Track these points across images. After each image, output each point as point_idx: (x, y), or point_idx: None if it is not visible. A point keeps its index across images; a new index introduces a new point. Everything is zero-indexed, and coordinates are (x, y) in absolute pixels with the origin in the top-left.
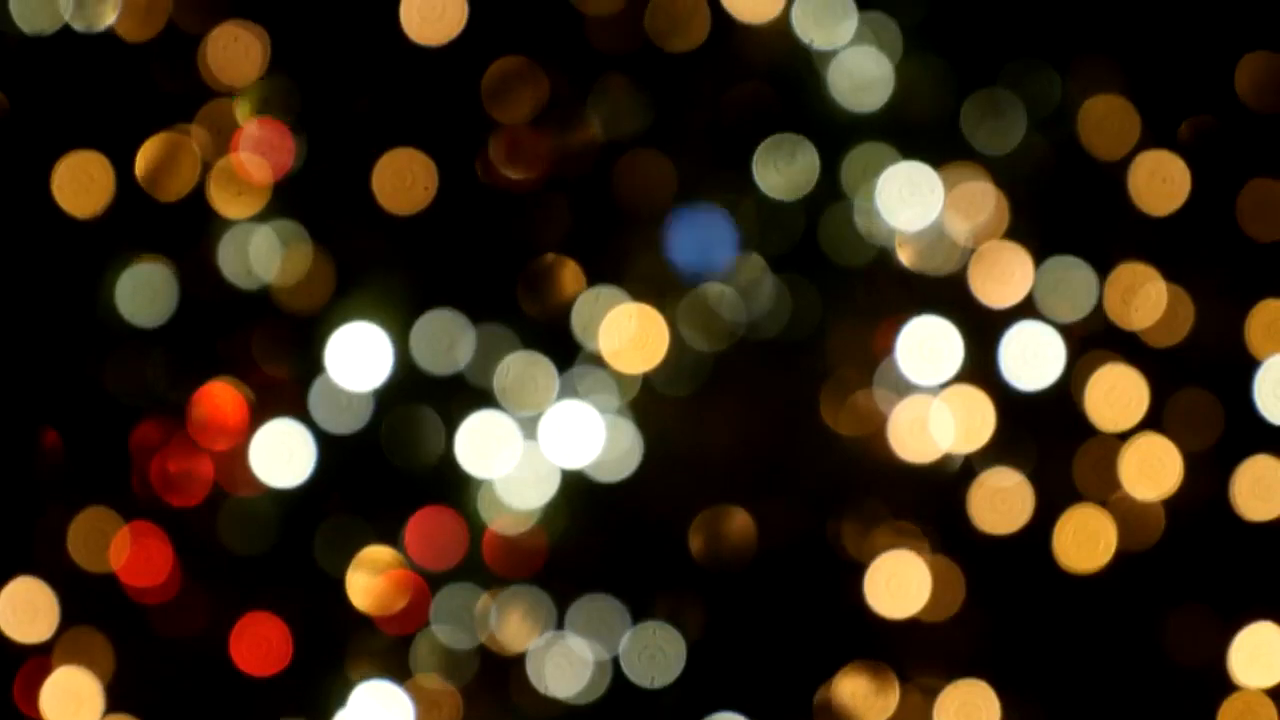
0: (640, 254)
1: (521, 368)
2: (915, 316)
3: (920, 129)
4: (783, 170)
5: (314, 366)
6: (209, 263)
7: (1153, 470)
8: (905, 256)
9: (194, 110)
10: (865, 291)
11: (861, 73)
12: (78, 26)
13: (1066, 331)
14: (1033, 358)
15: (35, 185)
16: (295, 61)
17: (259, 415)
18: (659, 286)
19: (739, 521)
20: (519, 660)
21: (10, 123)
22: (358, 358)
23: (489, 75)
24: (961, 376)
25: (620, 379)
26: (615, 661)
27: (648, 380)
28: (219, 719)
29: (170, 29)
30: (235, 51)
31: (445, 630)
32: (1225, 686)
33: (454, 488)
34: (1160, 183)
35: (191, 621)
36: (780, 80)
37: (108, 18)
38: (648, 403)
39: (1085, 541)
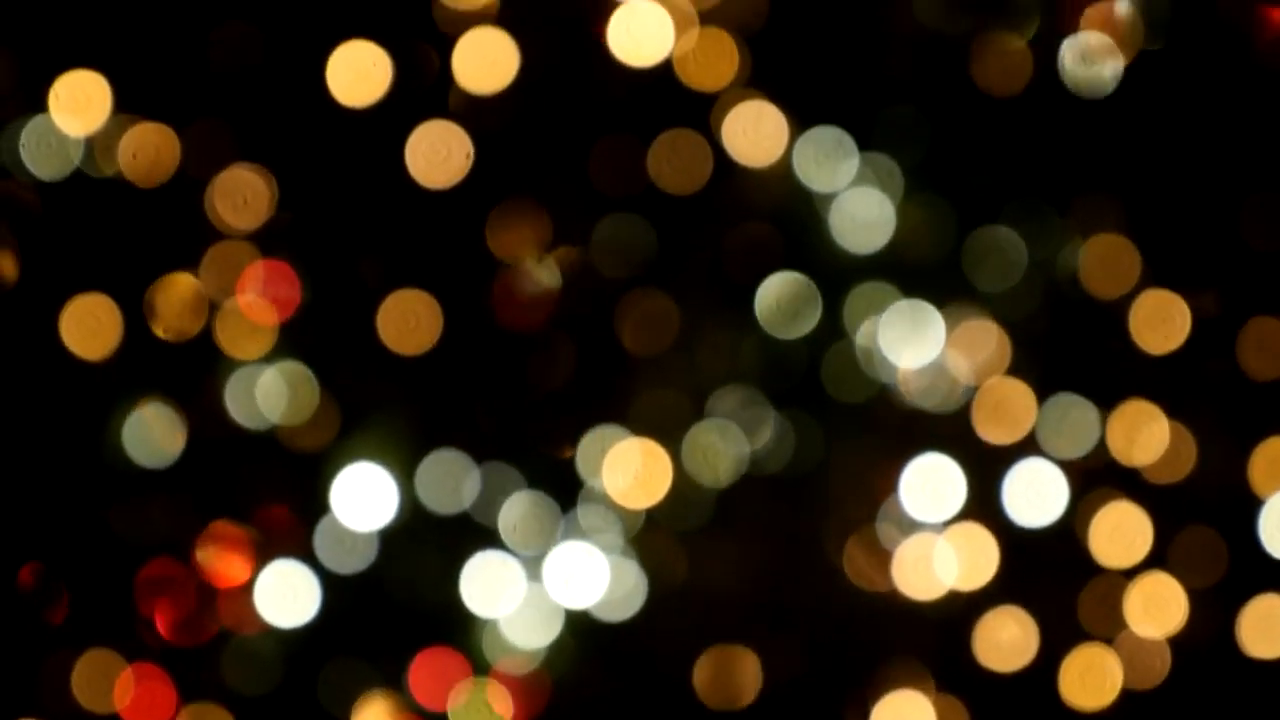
0: (644, 391)
1: (526, 507)
2: (918, 454)
3: (921, 268)
4: (785, 309)
5: (319, 506)
6: (216, 403)
7: (1157, 608)
8: (908, 394)
9: (201, 252)
10: (868, 429)
11: (863, 213)
12: (88, 172)
13: (1069, 468)
14: (1036, 495)
15: (44, 328)
16: (302, 203)
17: (264, 555)
18: (662, 423)
19: (744, 660)
20: None
21: (21, 264)
22: (363, 498)
23: (493, 216)
24: (965, 514)
25: (624, 515)
26: None
27: (652, 516)
28: None
29: (178, 173)
30: (242, 194)
31: None
32: None
33: (458, 628)
34: (1161, 321)
35: None
36: (782, 221)
37: (117, 163)
38: (652, 539)
39: (1091, 679)
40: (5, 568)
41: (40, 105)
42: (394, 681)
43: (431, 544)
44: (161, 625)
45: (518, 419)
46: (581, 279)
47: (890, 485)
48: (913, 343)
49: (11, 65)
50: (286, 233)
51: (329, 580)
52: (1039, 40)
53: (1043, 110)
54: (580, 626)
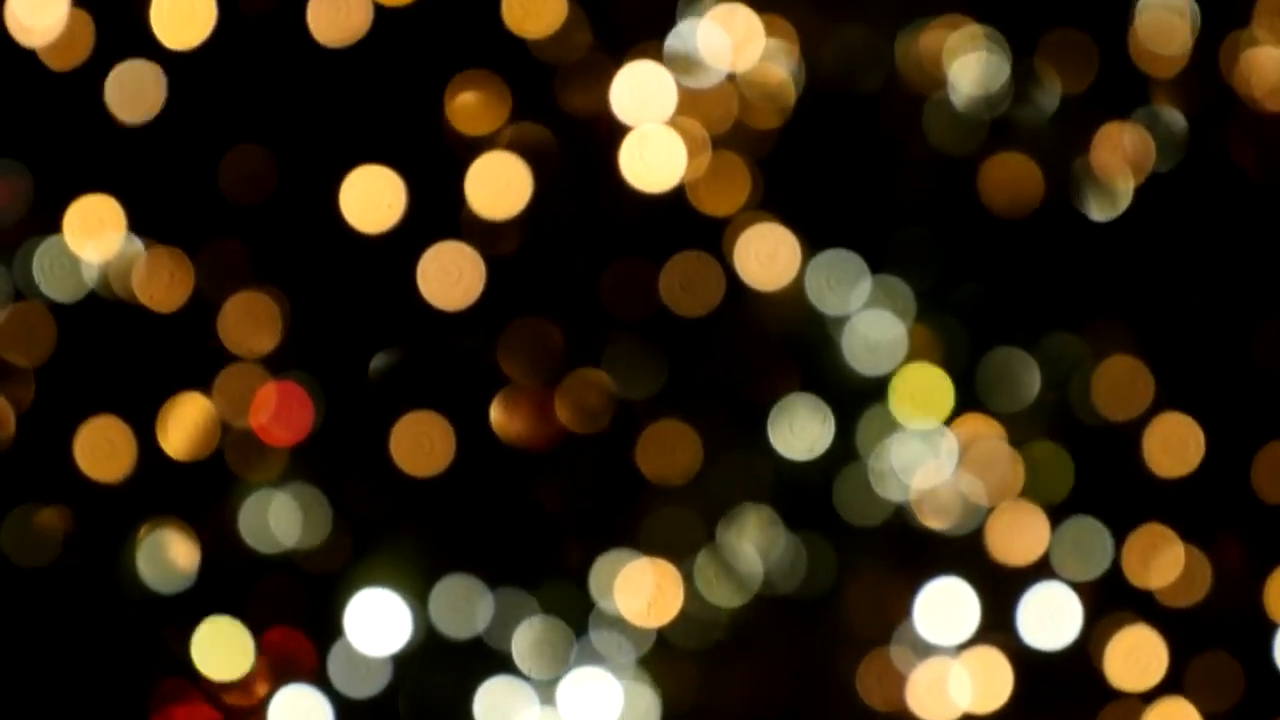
0: (656, 512)
1: (539, 631)
2: (932, 576)
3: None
4: (798, 431)
5: (333, 630)
6: (229, 527)
7: None
8: (921, 516)
9: (214, 374)
10: (881, 551)
11: (875, 335)
12: (102, 294)
13: (1084, 591)
14: (1050, 618)
15: (57, 450)
16: (314, 324)
17: (277, 679)
18: (675, 543)
19: None
20: None
21: (35, 386)
22: (376, 621)
23: (505, 336)
24: (979, 636)
25: (637, 636)
26: None
27: (663, 637)
28: None
29: (191, 296)
30: (255, 317)
31: None
32: None
33: None
34: (1175, 444)
35: None
36: (795, 343)
37: (130, 286)
38: (664, 660)
39: None
40: (21, 694)
41: (54, 227)
42: None
43: (445, 668)
44: None
45: (530, 541)
46: (593, 401)
47: (904, 607)
48: (925, 464)
49: (25, 187)
50: (299, 355)
51: (342, 704)
52: (1050, 161)
53: (1054, 231)
54: None
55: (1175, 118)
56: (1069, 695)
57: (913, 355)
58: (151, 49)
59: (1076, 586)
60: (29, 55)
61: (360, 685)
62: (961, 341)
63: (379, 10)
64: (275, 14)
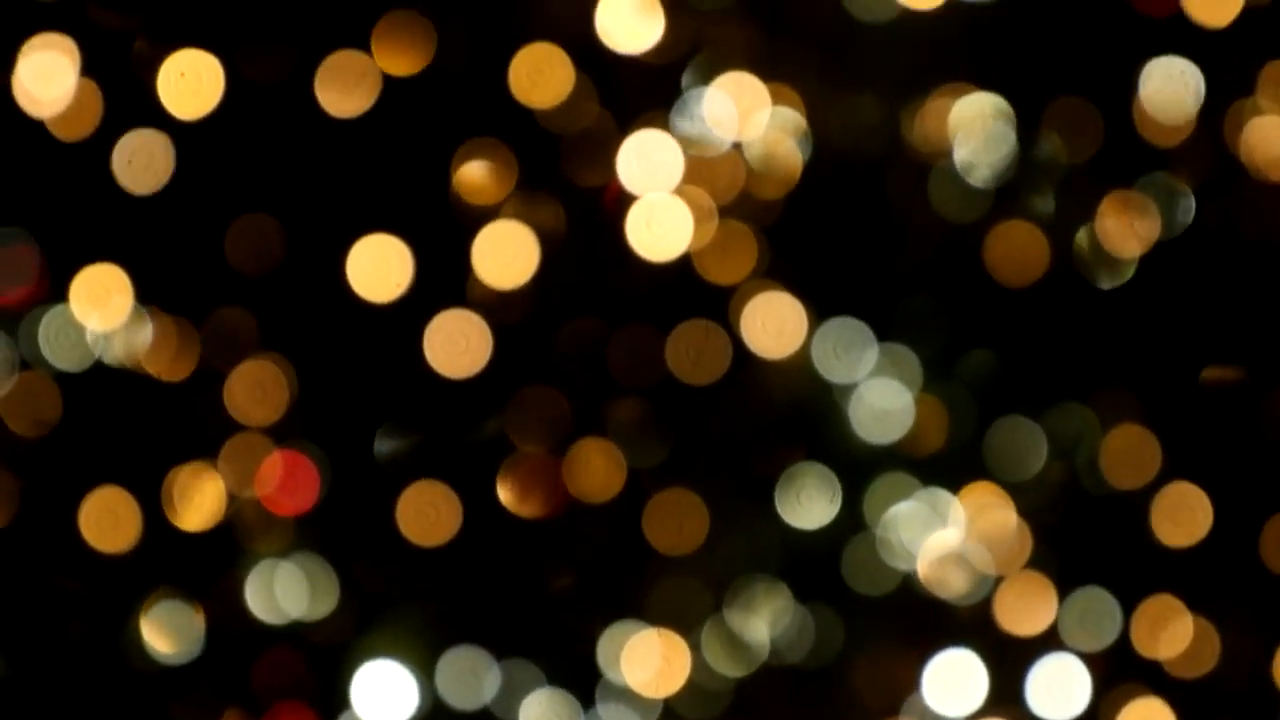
0: (663, 581)
1: (546, 703)
2: (940, 647)
3: (941, 458)
4: (805, 500)
5: (339, 702)
6: (235, 598)
7: None
8: (928, 585)
9: (220, 444)
10: (889, 620)
11: (882, 404)
12: (108, 363)
13: (1092, 662)
14: (1059, 688)
15: (63, 521)
16: (321, 394)
17: None
18: (682, 613)
19: None
20: None
21: (40, 457)
22: (383, 693)
23: (512, 405)
24: (988, 708)
25: (644, 707)
26: None
27: (671, 708)
28: None
29: (198, 365)
30: (261, 386)
31: None
32: None
33: None
34: (1183, 514)
35: None
36: (801, 412)
37: (136, 355)
38: None
39: None
40: None
41: (60, 296)
42: None
43: None
44: None
45: (537, 612)
46: (600, 469)
47: (912, 678)
48: (932, 533)
49: (32, 256)
50: (306, 424)
51: None
52: (1055, 230)
53: (1061, 300)
54: None
55: (1180, 187)
56: None
57: (919, 424)
58: (160, 119)
59: (1085, 657)
60: (37, 125)
61: None
62: (969, 410)
63: (387, 80)
64: (283, 84)
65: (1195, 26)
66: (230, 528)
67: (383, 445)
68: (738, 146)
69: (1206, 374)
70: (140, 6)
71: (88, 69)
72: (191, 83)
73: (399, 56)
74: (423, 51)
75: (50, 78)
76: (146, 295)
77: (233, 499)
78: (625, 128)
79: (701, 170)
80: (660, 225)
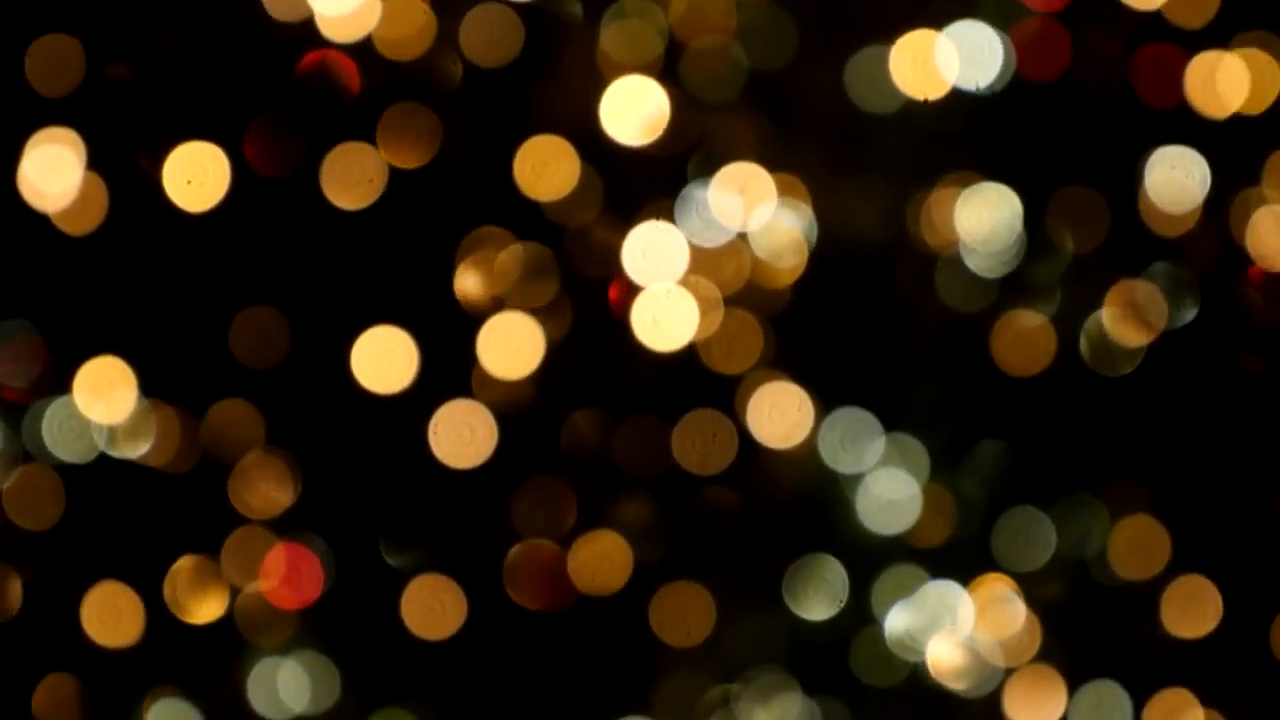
0: (670, 674)
1: None
2: None
3: (949, 549)
4: (812, 593)
5: None
6: (237, 693)
7: None
8: (938, 678)
9: (223, 537)
10: (898, 713)
11: (889, 495)
12: (112, 455)
13: None
14: None
15: (65, 617)
16: (325, 486)
17: None
18: (689, 707)
19: None
20: None
21: (40, 551)
22: None
23: (517, 496)
24: None
25: None
26: None
27: None
28: None
29: (202, 458)
30: (265, 478)
31: None
32: None
33: None
34: (1193, 606)
35: None
36: (808, 503)
37: (140, 448)
38: None
39: None
40: None
41: (64, 388)
42: None
43: None
44: None
45: (543, 705)
46: (607, 561)
47: None
48: (941, 625)
49: (36, 349)
50: (309, 517)
51: None
52: (1062, 319)
53: (1068, 390)
54: None
55: (1187, 276)
56: None
57: (927, 515)
58: (166, 212)
59: None
60: (41, 218)
61: None
62: (977, 501)
63: (392, 173)
64: (289, 176)
65: (1199, 117)
66: (233, 622)
67: (387, 538)
68: (743, 237)
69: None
70: (146, 98)
71: (93, 163)
72: (197, 175)
73: (404, 149)
74: (428, 144)
75: (56, 172)
76: (150, 388)
77: (236, 593)
78: (630, 218)
79: (707, 261)
80: (665, 316)
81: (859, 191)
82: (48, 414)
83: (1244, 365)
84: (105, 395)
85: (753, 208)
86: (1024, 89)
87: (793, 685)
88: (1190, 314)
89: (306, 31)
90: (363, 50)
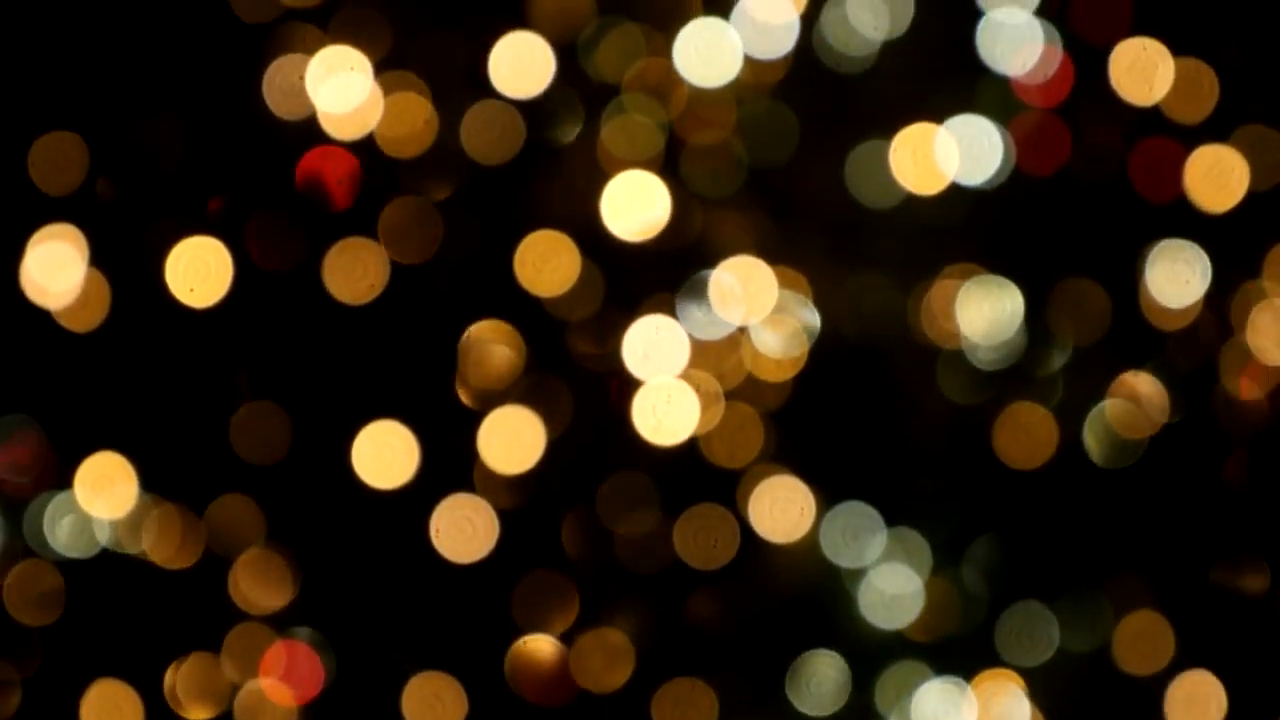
0: None
1: None
2: None
3: (953, 644)
4: (815, 689)
5: None
6: None
7: None
8: None
9: (224, 633)
10: None
11: (892, 589)
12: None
13: None
14: None
15: (65, 713)
16: (325, 581)
17: None
18: None
19: None
20: None
21: (43, 645)
22: None
23: (518, 591)
24: None
25: None
26: None
27: None
28: None
29: (203, 554)
30: (266, 575)
31: None
32: None
33: None
34: (1198, 702)
35: None
36: (811, 597)
37: (141, 544)
38: None
39: None
40: None
41: (65, 483)
42: None
43: None
44: None
45: None
46: (609, 657)
47: None
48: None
49: (38, 444)
50: (310, 612)
51: None
52: (1064, 411)
53: (1071, 483)
54: None
55: (1188, 368)
56: None
57: (930, 610)
58: (168, 307)
59: None
60: (43, 314)
61: None
62: (980, 596)
63: (395, 267)
64: (292, 272)
65: (1198, 211)
66: (232, 718)
67: (388, 633)
68: (744, 330)
69: (1219, 567)
70: (149, 195)
71: (96, 260)
72: (200, 271)
73: (406, 244)
74: (430, 239)
75: (58, 268)
76: (151, 484)
77: (236, 689)
78: (631, 313)
79: (708, 354)
80: (666, 410)
81: (860, 285)
82: (49, 509)
83: (1247, 459)
84: (106, 491)
85: (754, 301)
86: (1024, 183)
87: None
88: (1192, 407)
89: (309, 128)
90: (365, 147)
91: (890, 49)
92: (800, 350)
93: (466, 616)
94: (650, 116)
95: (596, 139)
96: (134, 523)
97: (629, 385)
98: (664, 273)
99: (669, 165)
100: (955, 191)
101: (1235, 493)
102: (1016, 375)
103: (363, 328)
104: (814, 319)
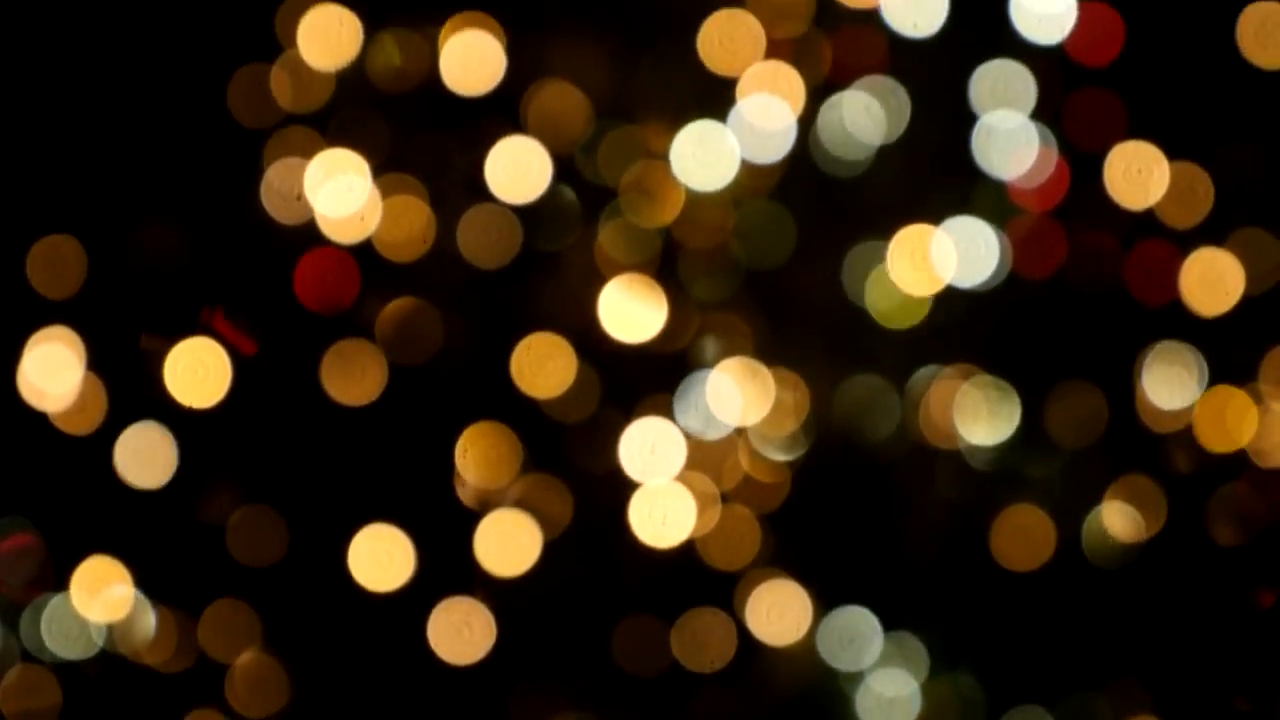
0: None
1: None
2: None
3: None
4: None
5: None
6: None
7: None
8: None
9: None
10: None
11: (889, 693)
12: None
13: None
14: None
15: None
16: (323, 684)
17: None
18: None
19: None
20: None
21: None
22: None
23: (516, 696)
24: None
25: None
26: None
27: None
28: None
29: (199, 658)
30: (261, 679)
31: None
32: None
33: None
34: None
35: None
36: (807, 701)
37: (137, 647)
38: None
39: None
40: None
41: (62, 587)
42: None
43: None
44: None
45: None
46: None
47: None
48: None
49: (34, 547)
50: (308, 716)
51: None
52: (1061, 514)
53: (1068, 586)
54: None
55: (1185, 471)
56: None
57: (928, 714)
58: (165, 409)
59: None
60: (40, 417)
61: None
62: (978, 700)
63: (393, 369)
64: (290, 374)
65: (1194, 315)
66: None
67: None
68: (741, 432)
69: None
70: (147, 298)
71: (93, 364)
72: (198, 373)
73: (404, 346)
74: (428, 340)
75: (55, 372)
76: (147, 587)
77: None
78: (628, 414)
79: (705, 456)
80: (663, 513)
81: (856, 386)
82: (45, 612)
83: (1245, 561)
84: (102, 594)
85: (751, 403)
86: (1020, 285)
87: None
88: (1190, 510)
89: (308, 231)
90: (363, 250)
91: (886, 152)
92: (797, 452)
93: (463, 719)
94: (647, 219)
95: (594, 241)
96: (130, 626)
97: (626, 487)
98: (661, 374)
99: (666, 268)
100: (952, 293)
101: (1233, 596)
102: (1014, 477)
103: (360, 429)
104: (810, 420)
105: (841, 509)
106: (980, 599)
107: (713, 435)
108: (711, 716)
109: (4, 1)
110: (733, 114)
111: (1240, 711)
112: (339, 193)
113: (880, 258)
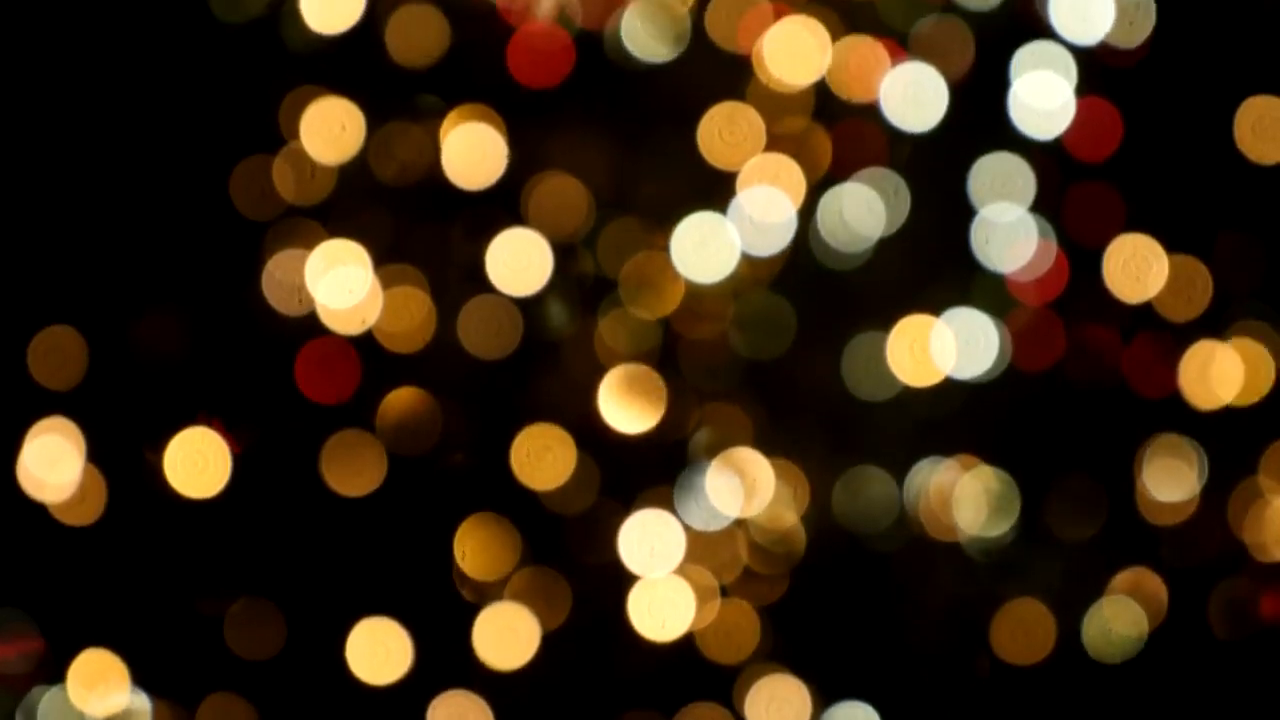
0: None
1: None
2: None
3: None
4: None
5: None
6: None
7: None
8: None
9: None
10: None
11: None
12: None
13: None
14: None
15: None
16: None
17: None
18: None
19: None
20: None
21: None
22: None
23: None
24: None
25: None
26: None
27: None
28: None
29: None
30: None
31: None
32: None
33: None
34: None
35: None
36: None
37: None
38: None
39: None
40: None
41: (58, 679)
42: None
43: None
44: None
45: None
46: None
47: None
48: None
49: (31, 639)
50: None
51: None
52: (1061, 607)
53: (1069, 679)
54: None
55: (1185, 565)
56: None
57: None
58: (164, 502)
59: None
60: (39, 508)
61: None
62: None
63: (393, 460)
64: (289, 464)
65: (1193, 408)
66: None
67: None
68: (740, 524)
69: None
70: (147, 391)
71: (93, 455)
72: (197, 463)
73: (405, 437)
74: (428, 432)
75: (55, 463)
76: (144, 680)
77: None
78: (627, 505)
79: (704, 547)
80: (662, 605)
81: (856, 478)
82: (41, 705)
83: (1248, 652)
84: (98, 687)
85: (750, 494)
86: (1019, 377)
87: None
88: (1190, 604)
89: (309, 322)
90: (364, 341)
91: (886, 244)
92: (797, 544)
93: None
94: (648, 310)
95: (594, 332)
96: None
97: (625, 579)
98: (661, 466)
99: (666, 359)
100: (951, 385)
101: (1234, 690)
102: (1014, 570)
103: (360, 520)
104: (810, 512)
105: (841, 602)
106: (981, 693)
107: (713, 527)
108: None
109: (10, 89)
110: (733, 206)
111: None
112: (340, 284)
113: (880, 349)
